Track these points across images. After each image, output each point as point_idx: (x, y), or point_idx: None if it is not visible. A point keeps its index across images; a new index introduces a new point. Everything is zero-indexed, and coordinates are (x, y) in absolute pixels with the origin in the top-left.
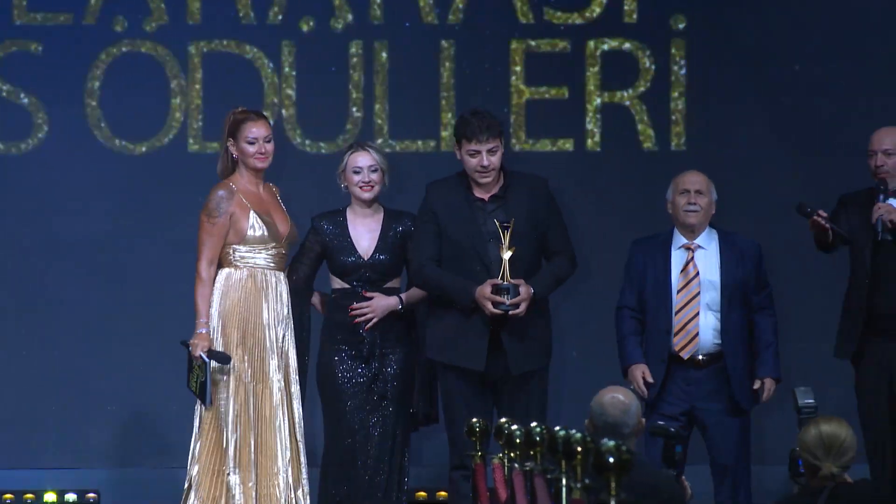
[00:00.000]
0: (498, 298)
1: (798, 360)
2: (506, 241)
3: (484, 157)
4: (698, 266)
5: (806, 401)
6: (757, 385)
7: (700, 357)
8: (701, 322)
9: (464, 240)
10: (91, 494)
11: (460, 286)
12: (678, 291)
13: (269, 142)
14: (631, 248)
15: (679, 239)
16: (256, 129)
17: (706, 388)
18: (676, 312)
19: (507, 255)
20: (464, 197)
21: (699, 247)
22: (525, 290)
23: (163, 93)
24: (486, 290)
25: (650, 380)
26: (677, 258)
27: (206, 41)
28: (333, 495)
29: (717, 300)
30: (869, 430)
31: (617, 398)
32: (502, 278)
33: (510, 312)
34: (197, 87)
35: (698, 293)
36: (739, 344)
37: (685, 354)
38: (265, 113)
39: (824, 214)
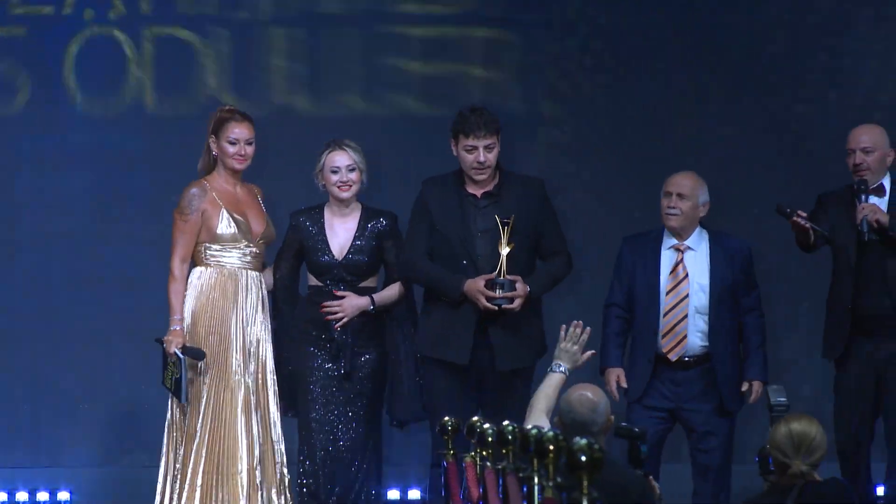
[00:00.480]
0: (491, 293)
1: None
2: (505, 237)
3: (481, 154)
4: (688, 268)
5: (778, 399)
6: (745, 387)
7: (687, 359)
8: (689, 324)
9: (452, 235)
10: (63, 494)
11: (449, 278)
12: (667, 293)
13: (250, 144)
14: (621, 245)
15: (669, 239)
16: (239, 130)
17: (694, 389)
18: (665, 314)
19: (505, 250)
20: (456, 193)
21: (689, 248)
22: (521, 287)
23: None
24: (478, 283)
25: (624, 385)
26: (667, 259)
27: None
28: (308, 493)
29: (705, 303)
30: (844, 430)
31: (585, 396)
32: (499, 274)
33: (503, 307)
34: (149, 67)
35: (687, 295)
36: (727, 346)
37: (673, 356)
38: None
39: (803, 214)
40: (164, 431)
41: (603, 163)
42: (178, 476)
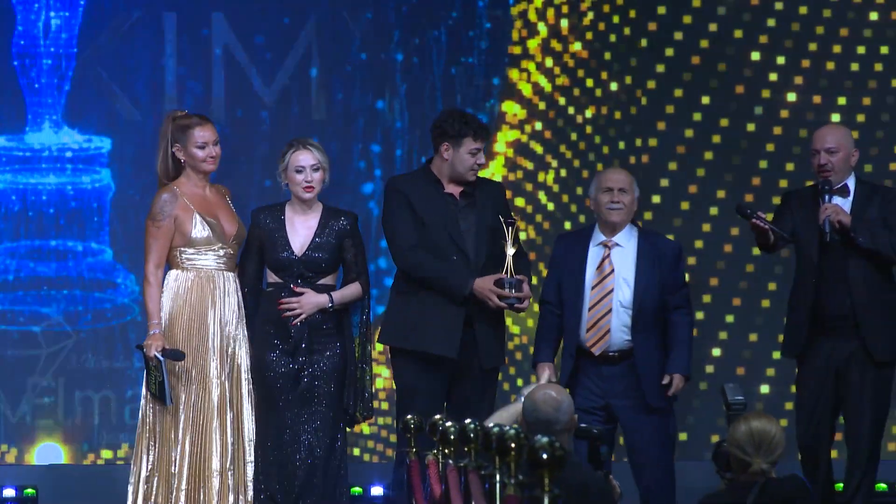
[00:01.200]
0: (504, 292)
1: (731, 358)
2: (510, 237)
3: (482, 156)
4: (614, 263)
5: (735, 397)
6: (666, 380)
7: (612, 353)
8: (613, 319)
9: (443, 231)
10: (30, 490)
11: (456, 274)
12: (592, 288)
13: (216, 144)
14: (555, 241)
15: (598, 236)
16: (203, 133)
17: (620, 385)
18: (590, 308)
19: (511, 250)
20: (436, 191)
21: (616, 244)
22: (526, 287)
23: None
24: (487, 282)
25: (554, 379)
26: (594, 255)
27: None
28: (267, 494)
29: (629, 298)
30: (805, 427)
31: (549, 395)
32: (507, 273)
33: (516, 306)
34: None
35: (612, 290)
36: (651, 342)
37: (596, 350)
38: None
39: (762, 215)
40: (136, 431)
41: (562, 162)
42: (157, 477)
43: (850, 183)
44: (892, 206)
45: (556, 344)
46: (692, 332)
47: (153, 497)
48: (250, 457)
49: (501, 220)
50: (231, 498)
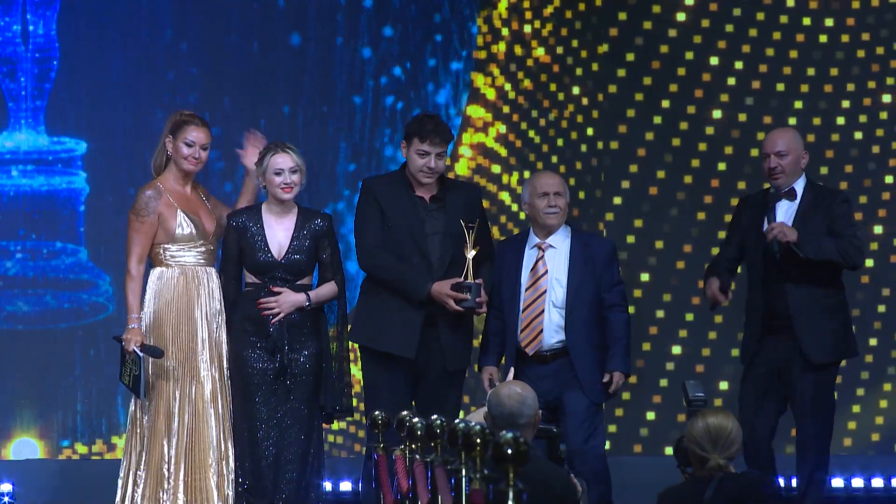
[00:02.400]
0: (461, 296)
1: (690, 355)
2: (470, 241)
3: (432, 160)
4: (547, 265)
5: (696, 394)
6: (606, 378)
7: (545, 352)
8: (545, 319)
9: (406, 234)
10: (6, 486)
11: (415, 277)
12: (526, 289)
13: (205, 149)
14: (496, 247)
15: (533, 238)
16: (197, 134)
17: (554, 383)
18: (523, 310)
19: (471, 254)
20: (406, 194)
21: (550, 246)
22: (484, 292)
23: None
24: (444, 286)
25: (496, 382)
26: (529, 257)
27: None
28: (247, 493)
29: (562, 298)
30: (746, 423)
31: (514, 390)
32: (465, 277)
33: (476, 311)
34: None
35: (545, 291)
36: (585, 340)
37: (530, 351)
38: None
39: (719, 301)
40: (125, 428)
41: (525, 164)
42: (147, 473)
43: (799, 186)
44: (837, 211)
45: (499, 348)
46: (629, 329)
47: (141, 492)
48: (226, 453)
49: (462, 223)
50: (224, 486)
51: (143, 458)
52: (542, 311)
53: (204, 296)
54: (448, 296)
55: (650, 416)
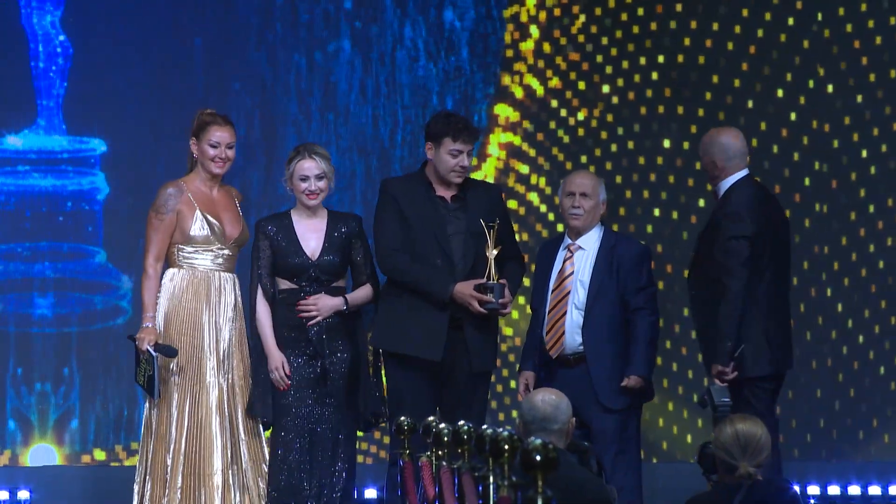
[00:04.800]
0: (485, 297)
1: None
2: (492, 240)
3: (465, 158)
4: (575, 266)
5: (722, 399)
6: (625, 382)
7: (569, 356)
8: (567, 321)
9: (429, 235)
10: (23, 493)
11: (437, 279)
12: (553, 291)
13: (230, 148)
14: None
15: (566, 240)
16: (220, 134)
17: (579, 388)
18: (549, 311)
19: (492, 254)
20: (426, 194)
21: (579, 247)
22: (508, 292)
23: None
24: (468, 287)
25: (532, 389)
26: (559, 258)
27: None
28: (279, 499)
29: (583, 300)
30: None
31: (548, 396)
32: (488, 278)
33: (501, 312)
34: None
35: (569, 292)
36: (604, 343)
37: (554, 353)
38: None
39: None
40: (140, 431)
41: (555, 165)
42: (152, 478)
43: (594, 236)
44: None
45: (538, 352)
46: (653, 333)
47: (147, 497)
48: (246, 455)
49: (483, 223)
50: (237, 497)
51: (149, 463)
52: (565, 312)
53: (214, 302)
54: (472, 297)
55: (665, 422)
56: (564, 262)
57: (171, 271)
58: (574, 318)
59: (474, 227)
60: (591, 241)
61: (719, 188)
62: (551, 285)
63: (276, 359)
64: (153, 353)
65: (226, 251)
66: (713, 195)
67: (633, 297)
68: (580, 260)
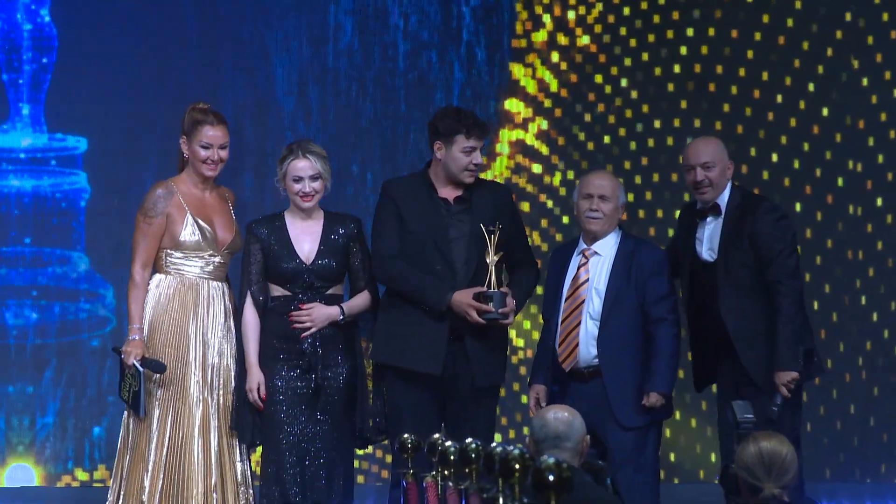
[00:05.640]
0: (484, 307)
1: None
2: (492, 245)
3: (478, 155)
4: (590, 273)
5: (745, 415)
6: (644, 400)
7: (584, 370)
8: (582, 332)
9: (427, 238)
10: None
11: (434, 287)
12: (566, 299)
13: (223, 149)
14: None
15: (581, 244)
16: (212, 134)
17: (593, 404)
18: (562, 321)
19: (492, 260)
20: (428, 196)
21: (595, 253)
22: (511, 301)
23: None
24: (466, 296)
25: (543, 404)
26: (573, 265)
27: None
28: None
29: (599, 309)
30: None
31: (560, 413)
32: (488, 286)
33: (501, 322)
34: None
35: (584, 301)
36: (621, 356)
37: (567, 366)
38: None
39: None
40: (117, 449)
41: (570, 164)
42: (125, 498)
43: (723, 201)
44: (759, 224)
45: (551, 365)
46: (674, 345)
47: None
48: (242, 478)
49: (482, 227)
50: None
51: (126, 483)
52: (579, 323)
53: (202, 311)
54: (470, 306)
55: (682, 440)
56: (579, 268)
57: (157, 277)
58: (589, 328)
59: (479, 231)
60: (607, 247)
61: (722, 197)
62: (564, 293)
63: (254, 378)
64: (140, 369)
65: (217, 258)
66: (703, 205)
67: (654, 307)
68: (596, 266)
